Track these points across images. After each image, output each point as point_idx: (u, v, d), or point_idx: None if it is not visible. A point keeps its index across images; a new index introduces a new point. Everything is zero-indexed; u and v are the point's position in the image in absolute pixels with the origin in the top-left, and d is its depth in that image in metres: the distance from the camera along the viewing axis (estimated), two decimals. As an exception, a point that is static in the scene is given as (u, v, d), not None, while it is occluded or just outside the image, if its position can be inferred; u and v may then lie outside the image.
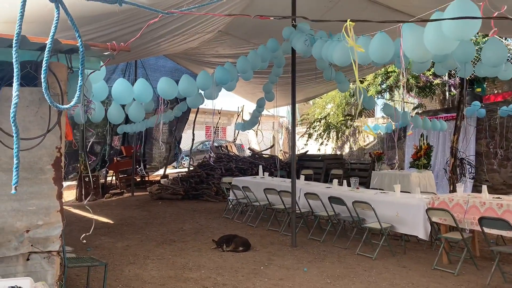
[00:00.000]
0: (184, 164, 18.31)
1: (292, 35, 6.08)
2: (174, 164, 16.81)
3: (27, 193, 2.48)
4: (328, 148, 17.31)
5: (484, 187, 5.46)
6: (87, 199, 10.89)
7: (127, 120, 10.82)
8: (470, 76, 11.78)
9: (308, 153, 15.52)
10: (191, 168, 14.10)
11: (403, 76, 11.04)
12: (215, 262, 5.52)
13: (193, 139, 15.04)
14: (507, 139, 10.43)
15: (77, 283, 4.76)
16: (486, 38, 11.45)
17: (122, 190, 12.60)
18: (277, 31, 6.53)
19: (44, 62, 1.76)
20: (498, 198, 5.18)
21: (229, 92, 10.03)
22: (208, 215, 9.08)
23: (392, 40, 3.56)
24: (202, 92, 6.75)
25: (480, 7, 2.49)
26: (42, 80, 1.69)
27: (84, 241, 6.05)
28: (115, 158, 13.42)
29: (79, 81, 1.78)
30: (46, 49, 1.76)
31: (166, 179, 13.64)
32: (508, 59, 5.65)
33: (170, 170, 16.45)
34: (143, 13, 5.18)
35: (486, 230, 4.68)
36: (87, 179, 11.45)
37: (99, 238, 6.91)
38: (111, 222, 8.49)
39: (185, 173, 13.47)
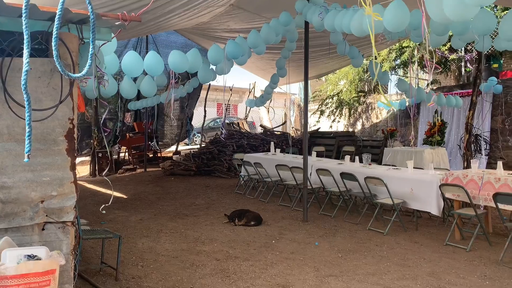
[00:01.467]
0: (196, 141, 18.38)
1: (305, 8, 5.94)
2: (186, 140, 16.88)
3: (40, 164, 2.50)
4: (340, 125, 17.19)
5: (500, 163, 5.38)
6: (105, 171, 11.03)
7: (138, 97, 10.85)
8: (488, 51, 11.48)
9: (320, 130, 15.43)
10: (203, 145, 14.16)
11: (423, 48, 10.76)
12: (227, 236, 5.57)
13: (204, 116, 15.05)
14: (523, 115, 10.23)
15: (92, 255, 4.86)
16: (505, 12, 11.11)
17: (135, 166, 12.73)
18: (290, 5, 6.39)
19: (54, 30, 1.74)
20: (513, 174, 5.11)
21: (240, 68, 9.97)
22: (220, 191, 9.15)
23: (408, 9, 3.46)
24: (214, 67, 6.70)
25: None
26: (53, 48, 1.67)
27: (104, 211, 6.18)
28: (127, 134, 13.52)
29: (90, 50, 1.76)
30: (56, 17, 1.73)
31: (178, 155, 13.74)
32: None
33: (182, 147, 16.54)
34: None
35: (501, 206, 4.63)
36: (100, 155, 11.58)
37: (113, 212, 7.02)
38: (125, 196, 8.61)
39: (197, 150, 13.53)
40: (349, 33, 4.51)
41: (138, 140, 13.30)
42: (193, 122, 15.75)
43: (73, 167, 2.60)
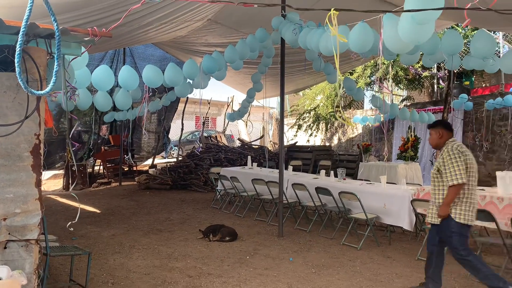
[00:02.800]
0: (173, 154, 18.23)
1: (281, 25, 6.03)
2: (163, 154, 16.73)
3: (4, 180, 2.43)
4: (317, 139, 17.36)
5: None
6: (72, 186, 10.79)
7: (115, 109, 10.72)
8: (458, 69, 11.85)
9: (297, 144, 15.54)
10: (180, 158, 14.05)
11: (381, 67, 11.07)
12: (201, 252, 5.51)
13: (182, 129, 14.96)
14: (492, 132, 10.54)
15: (61, 272, 4.72)
16: (474, 32, 11.51)
17: (109, 180, 12.51)
18: (267, 21, 6.48)
19: (18, 46, 1.71)
20: (482, 190, 5.24)
21: (218, 82, 9.99)
22: (196, 205, 9.07)
23: (372, 30, 3.55)
24: (191, 81, 6.70)
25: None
26: (16, 64, 1.64)
27: (72, 228, 6.00)
28: (102, 147, 13.31)
29: (55, 66, 1.73)
30: (20, 33, 1.71)
31: (154, 169, 13.59)
32: (495, 52, 5.67)
33: (158, 160, 16.38)
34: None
35: (470, 221, 4.72)
36: (74, 168, 11.35)
37: (85, 227, 6.87)
38: (98, 211, 8.44)
39: (173, 163, 13.41)
40: (318, 51, 4.60)
41: (114, 153, 13.10)
42: (170, 135, 15.64)
43: (38, 183, 2.54)
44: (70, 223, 3.98)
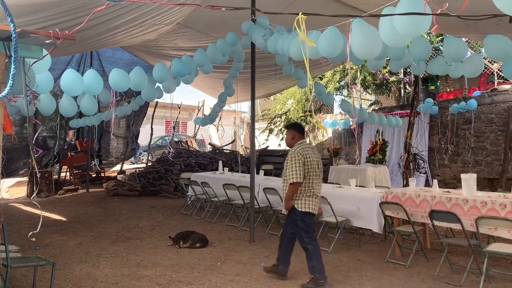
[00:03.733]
0: (142, 159, 17.92)
1: (251, 30, 6.03)
2: (132, 159, 16.43)
3: (-42, 189, 2.30)
4: (288, 143, 17.43)
5: (435, 182, 5.65)
6: (33, 194, 10.42)
7: (82, 114, 10.44)
8: (424, 74, 12.20)
9: (269, 148, 15.57)
10: (150, 164, 13.82)
11: (350, 72, 11.28)
12: (171, 259, 5.41)
13: (151, 134, 14.73)
14: (457, 135, 10.88)
15: (23, 283, 4.54)
16: (440, 37, 11.89)
17: (76, 187, 12.17)
18: (238, 25, 6.47)
19: (-28, 48, 1.62)
20: (448, 192, 5.37)
21: (189, 86, 9.90)
22: (166, 212, 8.92)
23: (341, 36, 3.59)
24: (160, 85, 6.59)
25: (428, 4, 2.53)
26: (-30, 67, 1.55)
27: (34, 239, 5.79)
28: (69, 153, 12.93)
29: (12, 69, 1.65)
30: (-25, 34, 1.62)
31: (123, 175, 13.32)
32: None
33: (127, 166, 16.07)
34: (98, 2, 4.98)
35: (436, 223, 4.83)
36: (39, 175, 10.97)
37: (50, 236, 6.64)
38: (64, 219, 8.18)
39: (143, 169, 13.18)
40: (288, 56, 4.62)
41: (80, 159, 12.75)
42: (139, 140, 15.37)
43: (-4, 192, 2.42)
44: (31, 233, 3.82)
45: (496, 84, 12.06)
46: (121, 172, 14.09)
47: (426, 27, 2.65)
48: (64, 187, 11.97)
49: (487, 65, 12.37)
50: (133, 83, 5.42)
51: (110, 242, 6.32)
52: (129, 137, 14.42)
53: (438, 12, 2.39)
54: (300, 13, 2.59)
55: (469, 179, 5.06)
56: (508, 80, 11.16)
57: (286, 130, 4.67)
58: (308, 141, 16.71)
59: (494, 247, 4.42)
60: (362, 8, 6.73)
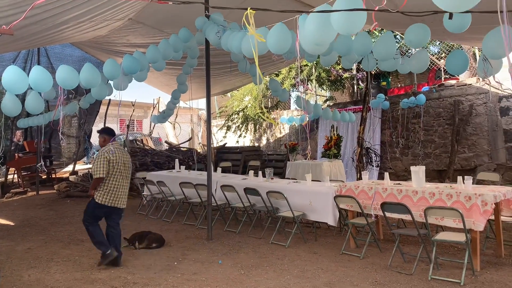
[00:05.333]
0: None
1: (205, 26, 5.97)
2: (85, 159, 15.88)
3: None
4: (246, 140, 17.49)
5: (386, 174, 5.84)
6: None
7: (29, 113, 9.96)
8: (376, 71, 12.58)
9: (226, 145, 15.54)
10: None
11: (299, 68, 11.46)
12: (126, 261, 5.28)
13: (105, 133, 14.27)
14: (407, 129, 11.31)
15: (-34, 294, 4.28)
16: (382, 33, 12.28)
17: (25, 189, 11.61)
18: (193, 21, 6.37)
19: None
20: (398, 184, 5.57)
21: (143, 83, 9.68)
22: (121, 212, 8.68)
23: (290, 32, 3.62)
24: (111, 83, 6.39)
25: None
26: None
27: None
28: (16, 154, 12.31)
29: None
30: None
31: (75, 175, 12.85)
32: (405, 53, 6.06)
33: (80, 166, 15.52)
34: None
35: (388, 214, 4.99)
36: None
37: (-5, 243, 6.30)
38: (11, 223, 7.79)
39: (97, 169, 12.75)
40: (240, 53, 4.61)
41: (29, 161, 12.16)
42: (93, 140, 14.87)
43: None
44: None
45: (443, 79, 12.64)
46: (74, 172, 13.59)
47: (361, 25, 2.71)
48: (11, 190, 11.39)
49: (435, 61, 12.95)
50: (83, 81, 5.22)
51: (62, 246, 6.08)
52: (81, 136, 13.91)
53: (376, 9, 2.45)
54: (248, 8, 2.59)
55: (418, 171, 5.27)
56: (454, 76, 11.73)
57: (98, 134, 5.33)
58: (266, 138, 16.85)
59: (441, 235, 4.63)
60: (315, 4, 6.83)
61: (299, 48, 3.10)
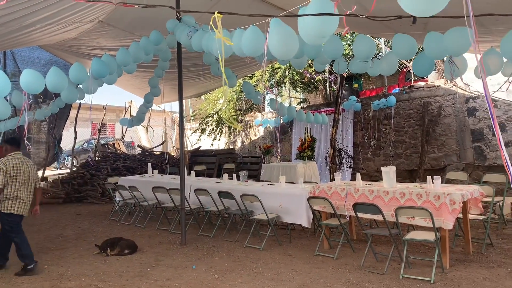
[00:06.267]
0: (66, 164, 16.93)
1: (176, 28, 5.91)
2: (55, 165, 15.47)
3: None
4: (221, 143, 17.42)
5: (358, 175, 5.91)
6: None
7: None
8: (348, 73, 12.76)
9: (201, 148, 15.43)
10: (74, 169, 13.10)
11: (263, 71, 11.55)
12: (98, 268, 5.16)
13: (75, 137, 13.96)
14: (379, 130, 11.51)
15: None
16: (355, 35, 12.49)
17: (-9, 197, 11.20)
18: (164, 24, 6.31)
19: None
20: (370, 184, 5.65)
21: (114, 86, 9.52)
22: (92, 219, 8.50)
23: (262, 35, 3.62)
24: (81, 86, 6.25)
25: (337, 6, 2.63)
26: None
27: None
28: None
29: None
30: None
31: (45, 181, 12.49)
32: (375, 56, 6.17)
33: (50, 172, 15.11)
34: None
35: (360, 215, 5.05)
36: None
37: (-42, 253, 6.02)
38: (-24, 233, 7.48)
39: (67, 174, 12.46)
40: (211, 54, 4.58)
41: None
42: (63, 144, 14.50)
43: None
44: None
45: (412, 81, 12.93)
46: (43, 179, 13.21)
47: (333, 29, 2.74)
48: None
49: (404, 64, 13.23)
50: (50, 85, 5.08)
51: (30, 255, 5.88)
52: (51, 141, 13.54)
53: (347, 14, 2.48)
54: (216, 12, 2.58)
55: (389, 172, 5.35)
56: (424, 78, 12.02)
57: (3, 144, 5.30)
58: (240, 140, 16.80)
59: (412, 235, 4.72)
60: (287, 8, 6.86)
61: (267, 51, 3.10)
